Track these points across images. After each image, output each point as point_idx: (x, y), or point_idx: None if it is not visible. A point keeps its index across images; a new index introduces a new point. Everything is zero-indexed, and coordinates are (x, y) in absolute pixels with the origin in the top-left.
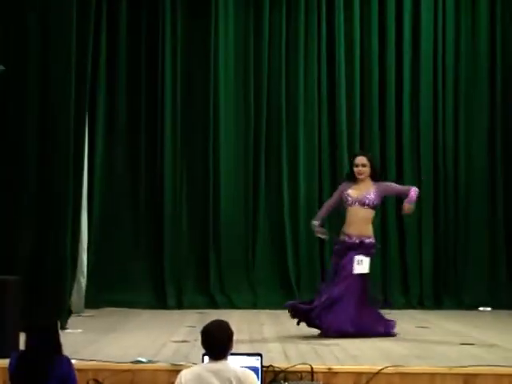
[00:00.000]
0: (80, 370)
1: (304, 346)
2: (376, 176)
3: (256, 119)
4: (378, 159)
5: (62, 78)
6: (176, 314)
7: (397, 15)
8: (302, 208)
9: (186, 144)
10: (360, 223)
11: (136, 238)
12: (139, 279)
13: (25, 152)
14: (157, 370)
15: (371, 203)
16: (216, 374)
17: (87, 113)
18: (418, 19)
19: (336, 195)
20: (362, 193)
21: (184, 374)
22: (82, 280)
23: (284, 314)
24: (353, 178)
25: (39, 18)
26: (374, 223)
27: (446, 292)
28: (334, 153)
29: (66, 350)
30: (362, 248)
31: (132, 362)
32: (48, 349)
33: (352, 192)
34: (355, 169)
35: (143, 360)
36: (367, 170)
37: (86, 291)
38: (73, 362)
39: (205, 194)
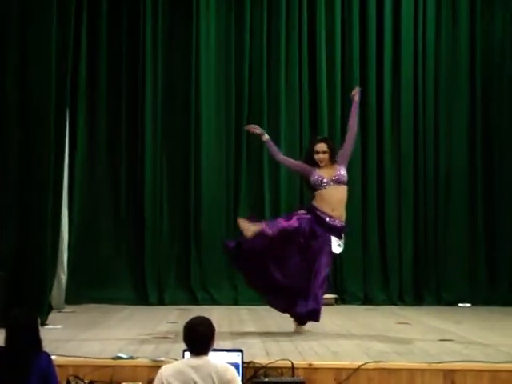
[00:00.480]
0: (60, 366)
1: (285, 342)
2: (334, 157)
3: (237, 118)
4: (360, 157)
5: (40, 80)
6: (157, 310)
7: (377, 13)
8: (283, 206)
9: (166, 143)
10: (340, 205)
11: (117, 235)
12: (120, 275)
13: (5, 152)
14: (137, 366)
15: (346, 179)
16: (197, 369)
17: (68, 114)
18: (399, 15)
19: (298, 166)
20: (334, 172)
21: (164, 370)
22: (63, 276)
23: (265, 311)
24: (313, 163)
25: (18, 22)
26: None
27: (426, 288)
28: None
29: (47, 346)
30: (341, 231)
31: (112, 358)
32: (28, 345)
33: (322, 173)
34: (316, 156)
35: (124, 356)
36: (327, 156)
37: (67, 287)
38: (53, 358)
39: (186, 191)
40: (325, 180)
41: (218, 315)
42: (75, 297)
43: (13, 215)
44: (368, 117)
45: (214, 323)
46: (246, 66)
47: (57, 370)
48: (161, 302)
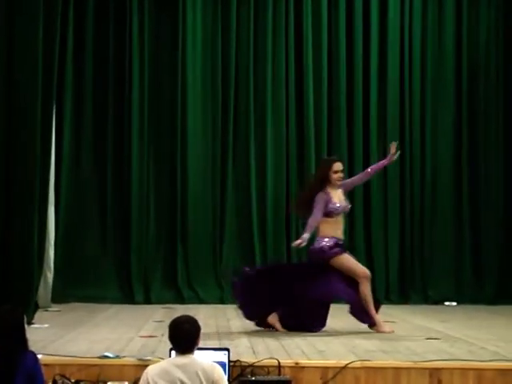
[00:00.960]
0: (46, 365)
1: (271, 341)
2: None
3: (223, 117)
4: (346, 156)
5: (27, 80)
6: (143, 309)
7: (364, 13)
8: (269, 204)
9: (153, 140)
10: (343, 229)
11: (103, 233)
12: (106, 274)
13: None
14: (124, 365)
15: (349, 210)
16: (183, 368)
17: (54, 111)
18: (385, 16)
19: (321, 208)
20: (342, 200)
21: (150, 370)
22: (49, 275)
23: None
24: (323, 184)
25: (5, 20)
26: None
27: (413, 287)
28: (302, 150)
29: (33, 346)
30: None
31: (99, 357)
32: (14, 344)
33: (337, 200)
34: (335, 175)
35: (110, 355)
36: (343, 175)
37: (53, 286)
38: (39, 357)
39: (172, 190)
40: (339, 209)
41: (205, 314)
42: (61, 295)
43: None
44: (354, 118)
45: (201, 322)
46: (233, 65)
47: (43, 369)
48: (147, 301)
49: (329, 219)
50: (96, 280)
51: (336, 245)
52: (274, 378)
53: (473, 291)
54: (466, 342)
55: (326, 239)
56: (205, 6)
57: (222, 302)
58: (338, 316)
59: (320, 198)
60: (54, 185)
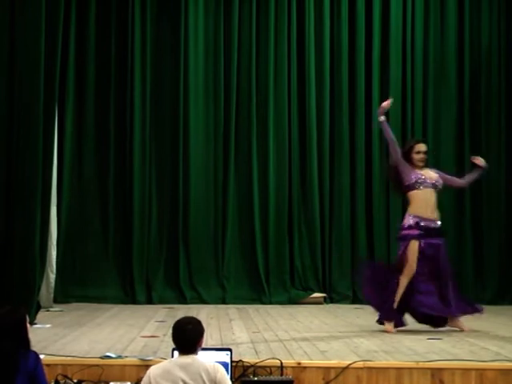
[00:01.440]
0: (48, 365)
1: (273, 342)
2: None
3: (226, 114)
4: (348, 156)
5: (30, 78)
6: (145, 309)
7: (366, 11)
8: (271, 206)
9: (155, 139)
10: (435, 207)
11: (105, 233)
12: (108, 274)
13: None
14: (126, 366)
15: (441, 187)
16: (185, 368)
17: (56, 111)
18: (388, 15)
19: (400, 160)
20: (433, 176)
21: (152, 370)
22: (51, 275)
23: (253, 310)
24: (408, 164)
25: (7, 20)
26: None
27: None
28: (304, 151)
29: (35, 346)
30: (442, 232)
31: (101, 357)
32: (16, 344)
33: (424, 174)
34: (417, 156)
35: (112, 355)
36: (426, 156)
37: (55, 286)
38: (41, 357)
39: (174, 190)
40: (427, 181)
41: (207, 314)
42: (63, 296)
43: (1, 215)
44: (356, 118)
45: (203, 322)
46: (235, 65)
47: (45, 369)
48: (149, 301)
49: (417, 192)
50: (98, 280)
51: (416, 225)
52: (277, 378)
53: (474, 291)
54: (468, 343)
55: (411, 216)
56: (206, 6)
57: (223, 302)
58: (340, 316)
59: (400, 158)
60: (56, 185)
